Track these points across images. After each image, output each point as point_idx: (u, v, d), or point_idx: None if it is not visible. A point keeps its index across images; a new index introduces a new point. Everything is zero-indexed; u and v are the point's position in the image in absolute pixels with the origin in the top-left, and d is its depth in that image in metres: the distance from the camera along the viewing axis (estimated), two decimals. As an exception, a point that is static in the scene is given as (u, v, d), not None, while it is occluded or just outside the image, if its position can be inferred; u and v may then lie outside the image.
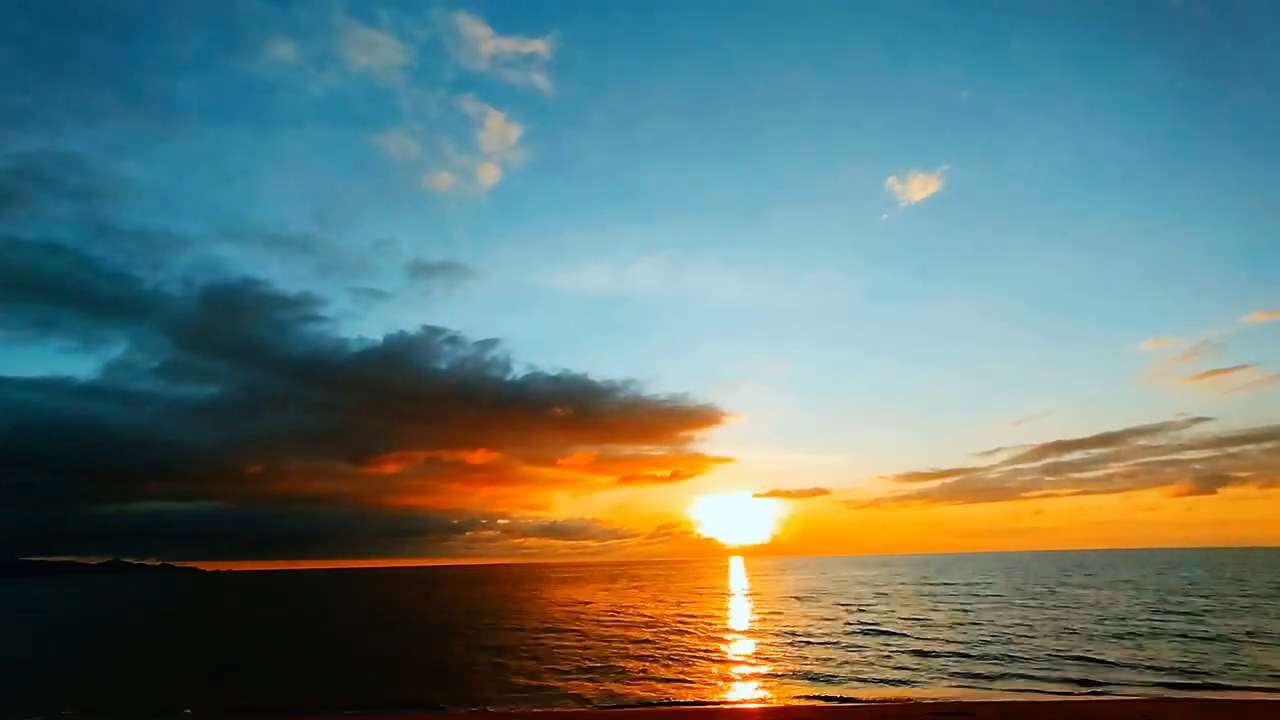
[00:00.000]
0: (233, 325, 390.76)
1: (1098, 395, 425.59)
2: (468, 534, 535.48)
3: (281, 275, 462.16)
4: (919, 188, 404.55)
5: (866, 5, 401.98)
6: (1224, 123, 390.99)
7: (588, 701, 18.48)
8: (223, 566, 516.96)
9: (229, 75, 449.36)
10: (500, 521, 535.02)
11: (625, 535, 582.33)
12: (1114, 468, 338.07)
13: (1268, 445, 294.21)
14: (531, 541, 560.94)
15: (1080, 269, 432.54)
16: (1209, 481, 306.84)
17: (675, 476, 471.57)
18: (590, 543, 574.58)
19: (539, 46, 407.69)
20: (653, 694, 19.18)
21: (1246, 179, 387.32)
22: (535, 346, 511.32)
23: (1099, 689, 18.35)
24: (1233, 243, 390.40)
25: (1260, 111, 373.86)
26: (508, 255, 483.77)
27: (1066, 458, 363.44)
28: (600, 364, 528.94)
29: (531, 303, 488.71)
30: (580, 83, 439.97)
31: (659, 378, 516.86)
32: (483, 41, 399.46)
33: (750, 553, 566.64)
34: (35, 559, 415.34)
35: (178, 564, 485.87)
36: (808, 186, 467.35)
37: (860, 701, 17.69)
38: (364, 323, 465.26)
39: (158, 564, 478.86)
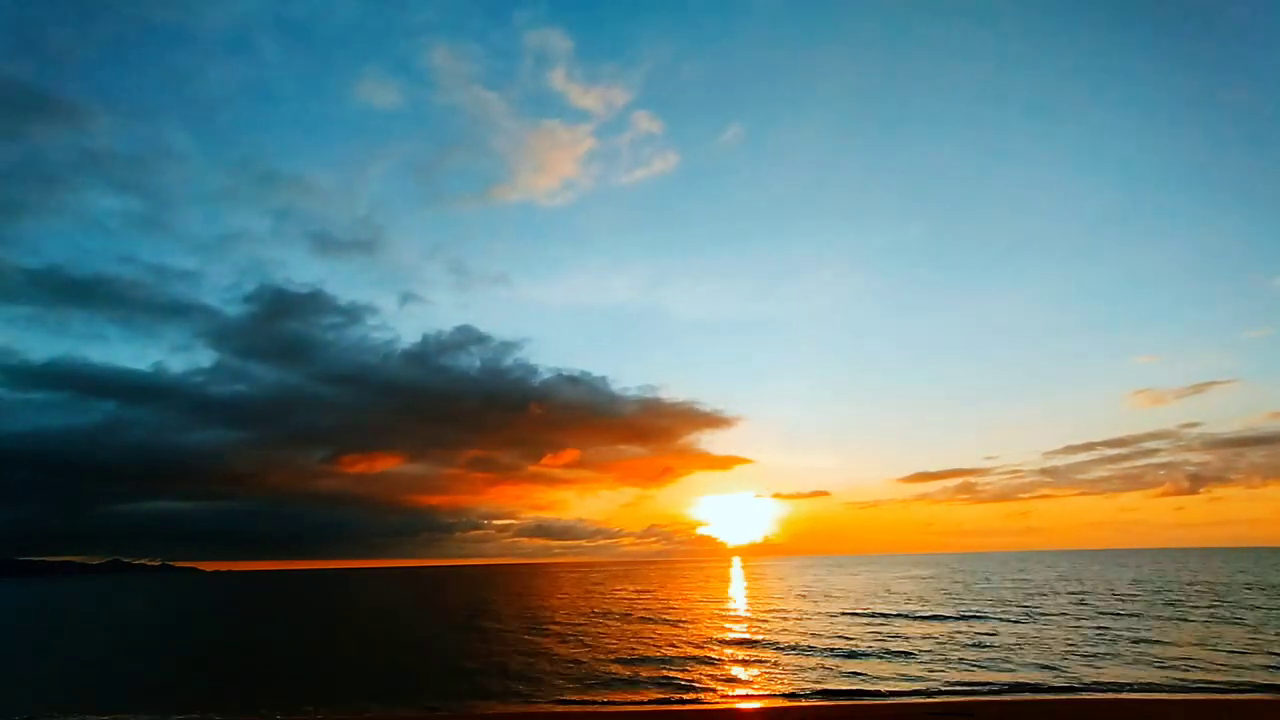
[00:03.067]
0: (272, 327, 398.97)
1: (1096, 403, 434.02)
2: (457, 534, 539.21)
3: (330, 279, 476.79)
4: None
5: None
6: (1227, 141, 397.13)
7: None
8: (223, 566, 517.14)
9: (301, 86, 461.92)
10: (493, 522, 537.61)
11: (616, 535, 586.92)
12: (1109, 471, 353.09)
13: (1259, 450, 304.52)
14: (524, 541, 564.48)
15: (1082, 287, 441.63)
16: (1198, 484, 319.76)
17: (673, 477, 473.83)
18: (583, 542, 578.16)
19: (618, 74, 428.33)
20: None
21: (1246, 202, 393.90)
22: (559, 352, 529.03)
23: (1099, 689, 18.68)
24: (1229, 262, 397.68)
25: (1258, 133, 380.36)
26: (552, 267, 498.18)
27: (1065, 461, 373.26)
28: (620, 370, 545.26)
29: (563, 312, 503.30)
30: (650, 110, 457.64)
31: (670, 383, 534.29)
32: (561, 66, 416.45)
33: (750, 552, 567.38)
34: (35, 559, 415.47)
35: (177, 564, 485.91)
36: (814, 200, 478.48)
37: (860, 702, 18.02)
38: (401, 328, 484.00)
39: (157, 564, 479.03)
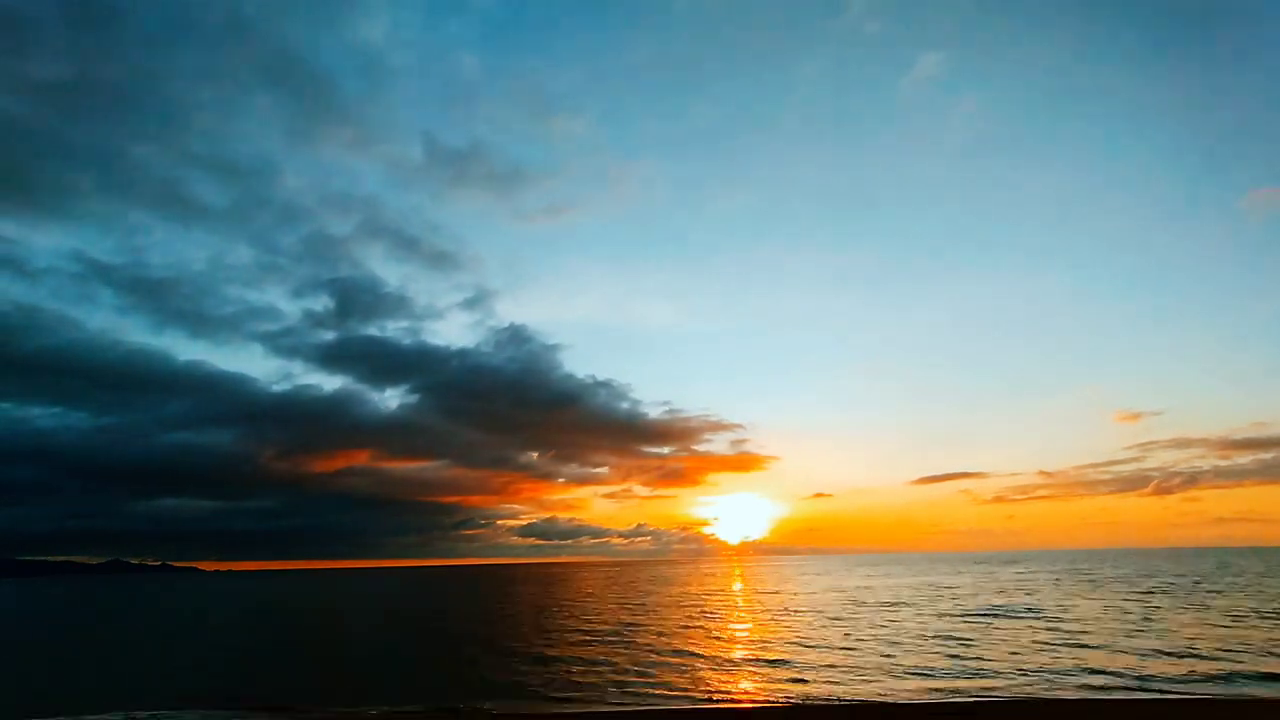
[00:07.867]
0: (320, 329, 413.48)
1: (1091, 408, 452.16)
2: (450, 534, 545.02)
3: (393, 285, 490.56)
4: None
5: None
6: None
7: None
8: (222, 566, 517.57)
9: (406, 106, 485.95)
10: (488, 521, 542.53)
11: (606, 534, 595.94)
12: (1104, 475, 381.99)
13: (1245, 455, 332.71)
14: (516, 541, 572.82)
15: (1081, 296, 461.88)
16: (1186, 487, 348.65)
17: (678, 479, 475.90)
18: (570, 542, 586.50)
19: (694, 108, 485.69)
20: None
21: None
22: (592, 360, 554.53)
23: (1100, 690, 18.41)
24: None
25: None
26: (594, 282, 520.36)
27: (1060, 465, 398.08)
28: (642, 377, 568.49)
29: (601, 323, 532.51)
30: (705, 144, 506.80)
31: (684, 388, 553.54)
32: (643, 102, 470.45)
33: (747, 550, 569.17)
34: (35, 559, 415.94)
35: (177, 564, 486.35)
36: (821, 208, 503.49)
37: (860, 701, 17.74)
38: (449, 334, 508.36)
39: (157, 564, 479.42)
